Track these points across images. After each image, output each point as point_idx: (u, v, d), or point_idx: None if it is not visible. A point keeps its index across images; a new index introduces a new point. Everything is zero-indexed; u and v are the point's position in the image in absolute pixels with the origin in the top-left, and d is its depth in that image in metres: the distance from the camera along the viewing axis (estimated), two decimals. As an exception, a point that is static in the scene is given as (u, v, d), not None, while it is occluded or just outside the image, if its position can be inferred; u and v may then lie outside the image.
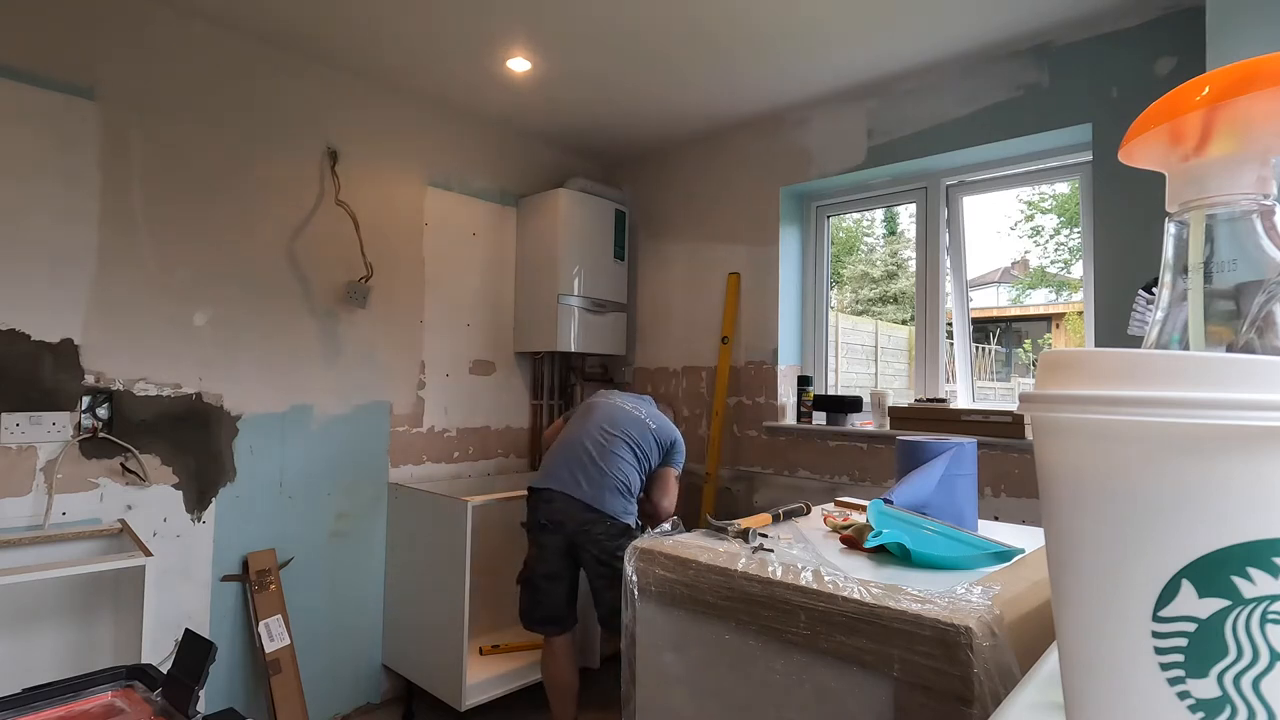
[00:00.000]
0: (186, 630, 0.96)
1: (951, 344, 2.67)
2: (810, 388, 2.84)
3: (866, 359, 4.00)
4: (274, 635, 2.35)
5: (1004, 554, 1.12)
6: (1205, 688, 0.29)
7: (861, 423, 2.74)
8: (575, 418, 2.50)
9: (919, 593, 0.91)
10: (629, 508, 2.31)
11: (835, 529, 1.33)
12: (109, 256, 2.11)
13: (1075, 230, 2.66)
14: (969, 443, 1.35)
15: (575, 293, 3.09)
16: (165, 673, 0.95)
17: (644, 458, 2.38)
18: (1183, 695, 0.30)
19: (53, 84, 2.01)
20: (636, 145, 3.39)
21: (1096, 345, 2.13)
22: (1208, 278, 0.35)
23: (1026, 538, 1.31)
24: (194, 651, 0.91)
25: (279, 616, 2.38)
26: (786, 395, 2.96)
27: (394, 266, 2.80)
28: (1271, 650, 0.28)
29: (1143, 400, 0.29)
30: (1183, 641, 0.29)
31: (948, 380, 2.66)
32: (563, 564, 2.29)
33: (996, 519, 2.00)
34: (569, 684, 2.32)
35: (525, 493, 2.52)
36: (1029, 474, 2.23)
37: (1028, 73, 2.31)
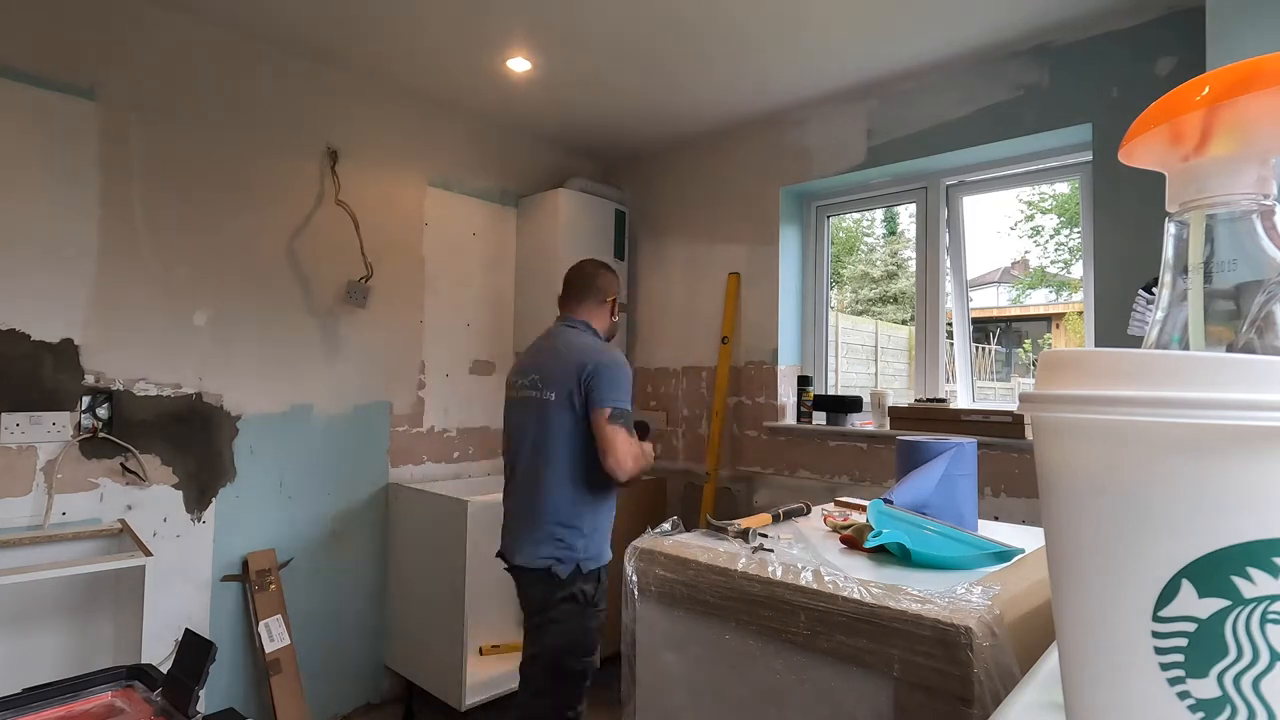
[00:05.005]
0: (186, 630, 0.97)
1: (951, 344, 2.67)
2: (810, 388, 2.84)
3: (866, 359, 4.00)
4: (274, 635, 2.35)
5: (1004, 554, 1.12)
6: (1205, 688, 0.29)
7: (861, 423, 2.74)
8: (507, 428, 2.00)
9: (919, 593, 0.91)
10: (567, 542, 1.81)
11: (835, 529, 1.33)
12: (109, 256, 2.11)
13: (1075, 230, 2.66)
14: (969, 443, 1.34)
15: (575, 293, 3.08)
16: (165, 673, 0.95)
17: (571, 419, 1.82)
18: (1183, 695, 0.30)
19: (53, 84, 2.01)
20: (636, 145, 3.38)
21: (1096, 345, 2.13)
22: (1208, 278, 0.35)
23: (1026, 538, 1.30)
24: (194, 651, 0.92)
25: (279, 616, 2.38)
26: (786, 395, 2.96)
27: (394, 266, 2.80)
28: (1271, 650, 0.28)
29: (1142, 400, 0.29)
30: (1183, 641, 0.29)
31: (948, 380, 2.66)
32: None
33: (996, 519, 2.00)
34: None
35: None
36: (1029, 474, 2.22)
37: (1028, 73, 2.31)
